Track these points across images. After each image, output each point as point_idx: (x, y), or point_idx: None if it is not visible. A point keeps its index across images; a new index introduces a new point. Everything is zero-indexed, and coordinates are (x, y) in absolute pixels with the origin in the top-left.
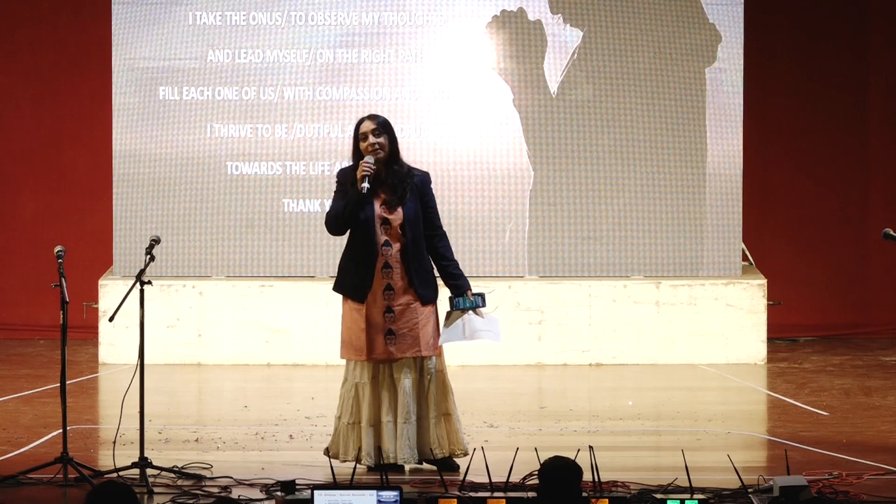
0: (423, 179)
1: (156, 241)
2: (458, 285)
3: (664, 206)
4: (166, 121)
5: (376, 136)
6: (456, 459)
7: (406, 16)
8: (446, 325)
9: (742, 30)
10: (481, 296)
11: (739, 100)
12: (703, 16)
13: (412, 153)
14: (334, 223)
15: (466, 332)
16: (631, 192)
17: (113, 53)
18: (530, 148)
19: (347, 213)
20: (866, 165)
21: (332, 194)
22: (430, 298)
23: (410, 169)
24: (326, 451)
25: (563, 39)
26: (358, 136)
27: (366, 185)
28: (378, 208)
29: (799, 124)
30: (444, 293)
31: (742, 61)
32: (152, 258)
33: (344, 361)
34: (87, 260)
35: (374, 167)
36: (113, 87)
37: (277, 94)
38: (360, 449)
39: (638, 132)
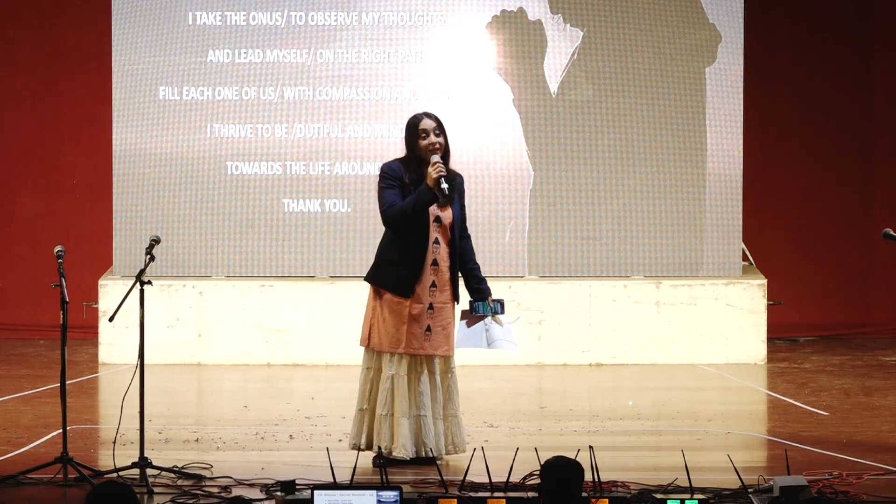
0: (462, 181)
1: (156, 241)
2: (481, 290)
3: (664, 206)
4: (166, 121)
5: (437, 136)
6: (448, 457)
7: (406, 16)
8: (464, 328)
9: (742, 30)
10: (500, 302)
11: (739, 100)
12: (703, 16)
13: None
14: (401, 218)
15: (486, 339)
16: (631, 192)
17: (113, 53)
18: (530, 148)
19: (419, 210)
20: (867, 165)
21: (381, 189)
22: (458, 298)
23: (454, 171)
24: (357, 447)
25: (563, 39)
26: (418, 134)
27: (446, 185)
28: (432, 206)
29: (799, 124)
30: (462, 295)
31: (742, 61)
32: (152, 258)
33: (360, 351)
34: (87, 260)
35: (445, 168)
36: (113, 87)
37: (277, 94)
38: (393, 440)
39: (638, 132)
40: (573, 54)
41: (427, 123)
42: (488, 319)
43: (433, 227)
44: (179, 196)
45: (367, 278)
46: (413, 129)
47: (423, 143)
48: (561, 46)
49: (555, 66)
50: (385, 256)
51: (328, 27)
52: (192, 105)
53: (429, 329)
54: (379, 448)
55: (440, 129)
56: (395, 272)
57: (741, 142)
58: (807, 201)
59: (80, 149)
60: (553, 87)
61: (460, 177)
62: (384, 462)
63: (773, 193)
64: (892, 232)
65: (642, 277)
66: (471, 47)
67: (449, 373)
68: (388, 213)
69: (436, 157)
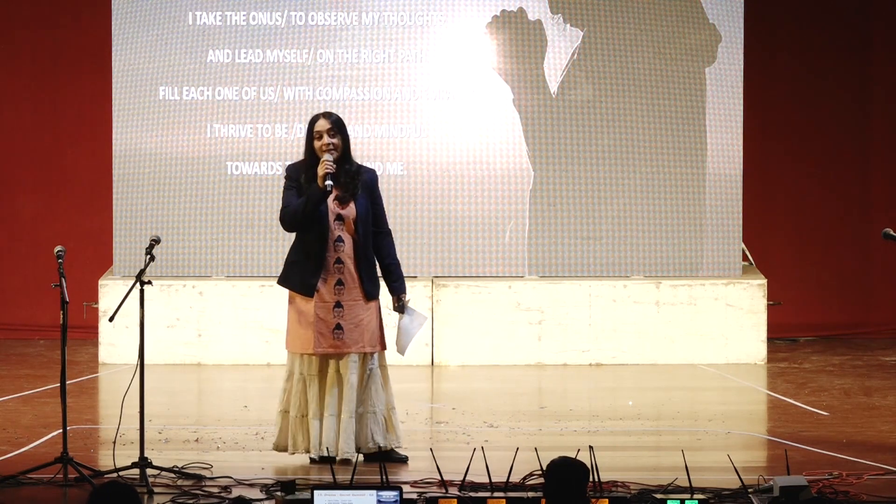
0: (372, 177)
1: (156, 241)
2: (392, 287)
3: (664, 206)
4: (166, 121)
5: (331, 136)
6: (402, 452)
7: (406, 16)
8: (402, 335)
9: (742, 30)
10: (403, 303)
11: (739, 100)
12: (703, 16)
13: (413, 153)
14: (293, 219)
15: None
16: (631, 192)
17: (113, 53)
18: (530, 148)
19: (308, 209)
20: (867, 165)
21: (283, 190)
22: (375, 295)
23: (360, 166)
24: (276, 447)
25: (563, 39)
26: (312, 134)
27: (330, 182)
28: (331, 204)
29: (799, 124)
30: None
31: (742, 61)
32: (152, 258)
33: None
34: (87, 260)
35: (334, 165)
36: (113, 87)
37: (277, 94)
38: (308, 441)
39: (638, 132)
40: (573, 54)
41: (321, 124)
42: (403, 321)
43: (334, 225)
44: (179, 196)
45: (278, 281)
46: (309, 130)
47: (317, 143)
48: (561, 46)
49: (555, 66)
50: (290, 258)
51: (328, 27)
52: (192, 105)
53: (339, 328)
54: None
55: (336, 129)
56: (298, 273)
57: (741, 142)
58: (807, 201)
59: (80, 149)
60: (553, 87)
61: (371, 172)
62: (325, 458)
63: (773, 193)
64: (892, 232)
65: (642, 277)
66: (471, 47)
67: (369, 370)
68: (282, 215)
69: (327, 157)
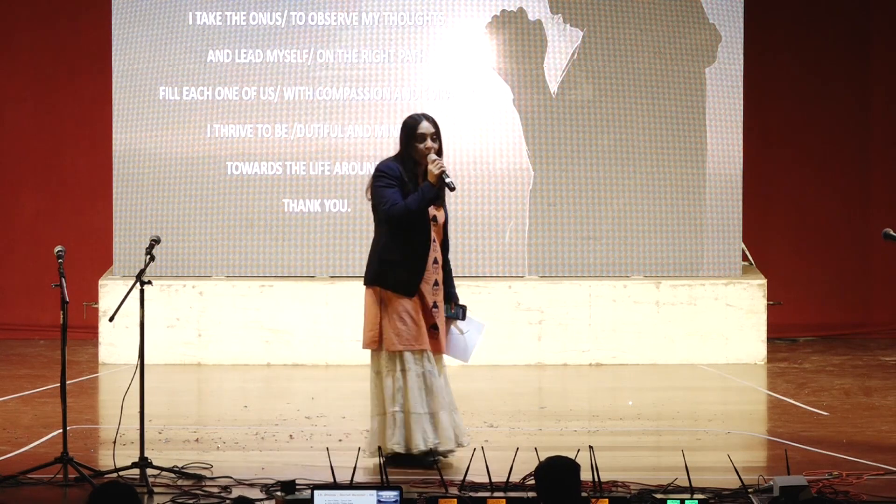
0: None
1: (156, 241)
2: (450, 293)
3: (664, 206)
4: (166, 121)
5: (433, 140)
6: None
7: (406, 16)
8: (468, 342)
9: (742, 30)
10: (463, 308)
11: (739, 100)
12: (703, 16)
13: None
14: (408, 216)
15: (451, 350)
16: (631, 192)
17: (113, 54)
18: (530, 148)
19: (423, 206)
20: (867, 165)
21: (379, 188)
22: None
23: None
24: (373, 453)
25: (563, 39)
26: (415, 135)
27: (450, 178)
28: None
29: (799, 124)
30: None
31: (742, 61)
32: (152, 258)
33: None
34: (87, 260)
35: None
36: (113, 87)
37: (277, 94)
38: (434, 435)
39: (638, 132)
40: (573, 54)
41: (426, 127)
42: (452, 328)
43: (431, 226)
44: (179, 196)
45: (369, 282)
46: (411, 131)
47: (421, 146)
48: (561, 46)
49: (555, 66)
50: (387, 257)
51: (328, 27)
52: (192, 105)
53: (435, 327)
54: (431, 449)
55: (437, 134)
56: (400, 273)
57: (741, 142)
58: (807, 201)
59: (80, 149)
60: (553, 87)
61: None
62: (436, 461)
63: (774, 193)
64: (892, 232)
65: (642, 277)
66: (471, 47)
67: (441, 368)
68: (393, 212)
69: (433, 155)
